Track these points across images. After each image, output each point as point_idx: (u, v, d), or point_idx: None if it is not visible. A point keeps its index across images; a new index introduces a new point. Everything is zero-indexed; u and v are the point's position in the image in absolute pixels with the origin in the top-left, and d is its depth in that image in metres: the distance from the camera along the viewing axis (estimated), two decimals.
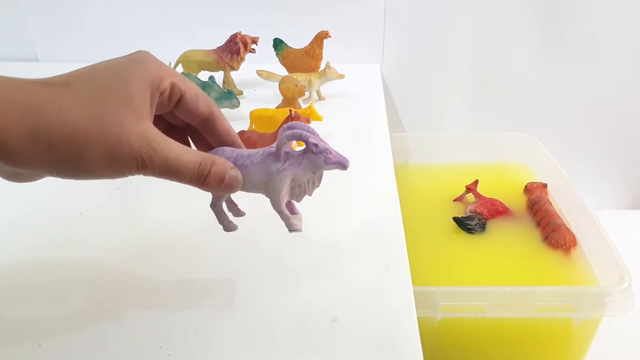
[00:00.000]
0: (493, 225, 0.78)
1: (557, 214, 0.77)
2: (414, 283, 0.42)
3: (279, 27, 0.95)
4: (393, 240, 0.48)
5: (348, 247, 0.47)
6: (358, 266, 0.44)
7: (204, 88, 0.71)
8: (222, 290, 0.42)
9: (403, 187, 0.58)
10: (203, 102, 0.37)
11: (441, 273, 0.69)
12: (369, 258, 0.45)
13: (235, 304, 0.40)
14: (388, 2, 1.00)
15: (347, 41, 0.98)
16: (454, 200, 0.86)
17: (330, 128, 0.68)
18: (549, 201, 0.81)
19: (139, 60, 0.34)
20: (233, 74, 0.86)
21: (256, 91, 0.89)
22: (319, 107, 0.68)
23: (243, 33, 0.85)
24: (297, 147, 0.40)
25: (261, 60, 0.87)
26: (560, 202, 0.82)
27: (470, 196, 0.85)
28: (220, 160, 0.35)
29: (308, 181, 0.37)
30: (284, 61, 0.89)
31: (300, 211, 0.40)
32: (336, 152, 0.36)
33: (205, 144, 0.40)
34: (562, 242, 0.72)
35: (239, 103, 0.74)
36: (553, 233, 0.73)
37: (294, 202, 0.39)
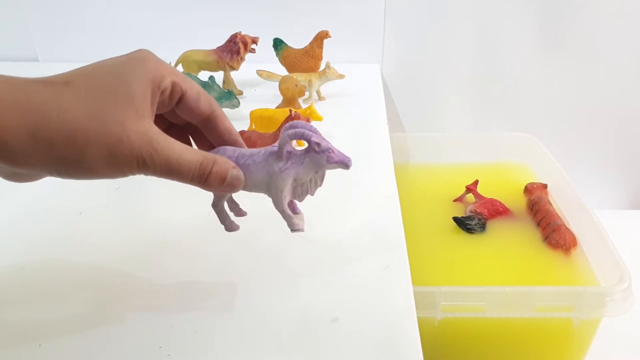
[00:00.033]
0: (493, 225, 0.78)
1: (557, 214, 0.77)
2: (414, 283, 0.42)
3: (279, 27, 0.95)
4: (393, 240, 0.48)
5: (348, 247, 0.47)
6: (358, 266, 0.44)
7: (204, 88, 0.71)
8: (222, 290, 0.42)
9: (403, 187, 0.58)
10: (204, 100, 0.37)
11: (441, 273, 0.69)
12: (369, 258, 0.45)
13: (235, 304, 0.40)
14: (388, 2, 1.00)
15: (347, 41, 0.99)
16: (454, 201, 0.86)
17: (330, 128, 0.68)
18: (549, 201, 0.81)
19: (140, 58, 0.34)
20: (233, 74, 0.86)
21: (256, 91, 0.89)
22: (319, 107, 0.68)
23: (243, 33, 0.85)
24: (298, 147, 0.40)
25: (261, 60, 0.87)
26: (560, 202, 0.82)
27: (470, 196, 0.85)
28: (222, 160, 0.35)
29: (310, 180, 0.37)
30: (284, 61, 0.89)
31: (302, 211, 0.40)
32: (339, 151, 0.36)
33: (207, 143, 0.40)
34: (562, 242, 0.72)
35: (239, 103, 0.74)
36: (553, 233, 0.73)
37: (296, 201, 0.39)
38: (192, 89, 0.36)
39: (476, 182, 0.85)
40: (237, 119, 0.72)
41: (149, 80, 0.33)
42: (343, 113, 0.80)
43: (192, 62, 0.85)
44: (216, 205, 0.40)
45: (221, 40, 0.85)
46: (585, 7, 1.00)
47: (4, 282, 0.43)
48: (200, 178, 0.34)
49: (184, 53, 0.85)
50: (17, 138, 0.28)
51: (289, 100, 0.76)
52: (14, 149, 0.29)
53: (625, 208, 1.20)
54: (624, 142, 1.13)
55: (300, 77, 0.81)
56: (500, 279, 0.68)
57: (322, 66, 0.84)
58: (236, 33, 0.84)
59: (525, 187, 0.85)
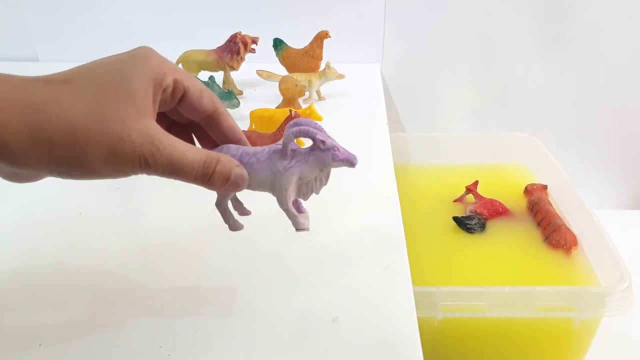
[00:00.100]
0: (493, 226, 0.78)
1: (557, 215, 0.77)
2: (414, 283, 0.42)
3: (279, 27, 0.95)
4: (393, 241, 0.48)
5: (348, 247, 0.47)
6: (358, 266, 0.44)
7: None
8: (222, 290, 0.42)
9: (403, 188, 0.58)
10: (207, 98, 0.37)
11: (441, 273, 0.69)
12: (369, 258, 0.45)
13: (235, 304, 0.40)
14: (388, 2, 1.00)
15: (347, 41, 0.98)
16: (454, 201, 0.86)
17: (330, 128, 0.67)
18: (549, 202, 0.81)
19: (141, 56, 0.33)
20: (233, 74, 0.86)
21: (256, 91, 0.89)
22: (319, 107, 0.68)
23: (243, 33, 0.85)
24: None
25: (261, 60, 0.87)
26: (560, 202, 0.82)
27: (470, 197, 0.85)
28: (226, 158, 0.34)
29: (315, 179, 0.37)
30: (284, 61, 0.89)
31: (307, 210, 0.39)
32: (344, 149, 0.35)
33: (210, 142, 0.39)
34: (562, 242, 0.72)
35: (239, 103, 0.74)
36: (554, 233, 0.73)
37: (301, 200, 0.39)
38: (195, 86, 0.36)
39: (476, 183, 0.85)
40: (237, 119, 0.71)
41: (151, 77, 0.33)
42: (343, 113, 0.80)
43: (192, 62, 0.85)
44: (220, 205, 0.39)
45: (221, 40, 0.85)
46: (585, 7, 1.00)
47: (5, 281, 0.43)
48: (204, 177, 0.34)
49: (184, 53, 0.85)
50: (17, 137, 0.28)
51: (289, 100, 0.76)
52: (14, 149, 0.28)
53: (625, 208, 1.20)
54: (624, 142, 1.13)
55: (300, 77, 0.81)
56: (501, 279, 0.68)
57: (322, 66, 0.84)
58: (236, 33, 0.84)
59: (526, 188, 0.86)
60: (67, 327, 0.38)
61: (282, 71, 0.86)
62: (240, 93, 0.87)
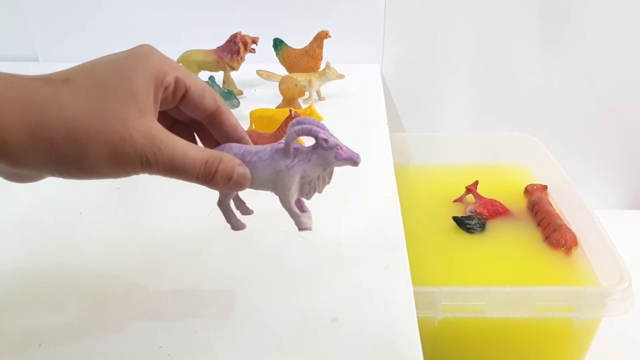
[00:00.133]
0: (493, 226, 0.78)
1: (557, 215, 0.77)
2: (414, 283, 0.42)
3: (279, 27, 0.95)
4: (393, 241, 0.48)
5: (348, 247, 0.47)
6: (358, 266, 0.44)
7: None
8: (222, 290, 0.42)
9: (403, 188, 0.58)
10: (209, 96, 0.36)
11: (441, 273, 0.69)
12: (369, 258, 0.45)
13: (235, 304, 0.40)
14: (388, 2, 1.00)
15: (347, 41, 0.98)
16: (454, 201, 0.86)
17: (330, 128, 0.67)
18: (549, 202, 0.81)
19: (142, 54, 0.33)
20: (233, 74, 0.86)
21: (256, 91, 0.89)
22: (319, 107, 0.68)
23: (243, 33, 0.85)
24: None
25: (261, 60, 0.87)
26: (560, 202, 0.82)
27: (470, 197, 0.85)
28: (228, 157, 0.34)
29: (318, 178, 0.36)
30: (284, 61, 0.89)
31: (310, 209, 0.39)
32: (347, 147, 0.35)
33: (212, 141, 0.39)
34: (563, 242, 0.72)
35: (239, 103, 0.74)
36: (554, 233, 0.73)
37: (304, 199, 0.38)
38: (196, 85, 0.35)
39: (476, 183, 0.85)
40: (237, 119, 0.72)
41: (152, 76, 0.32)
42: (343, 113, 0.80)
43: (192, 62, 0.85)
44: (222, 204, 0.39)
45: (221, 40, 0.85)
46: (585, 7, 1.00)
47: (4, 281, 0.43)
48: (206, 177, 0.33)
49: (184, 53, 0.85)
50: (17, 137, 0.28)
51: (289, 100, 0.76)
52: (14, 149, 0.28)
53: (625, 208, 1.20)
54: (624, 142, 1.13)
55: (300, 77, 0.81)
56: (501, 279, 0.68)
57: (322, 66, 0.84)
58: (236, 33, 0.84)
59: (526, 188, 0.86)
60: (67, 327, 0.38)
61: (282, 71, 0.86)
62: (240, 93, 0.87)
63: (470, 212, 0.80)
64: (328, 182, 0.37)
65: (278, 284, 0.43)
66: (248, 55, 0.85)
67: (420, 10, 1.01)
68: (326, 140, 0.34)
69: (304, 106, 0.79)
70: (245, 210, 0.40)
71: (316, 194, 0.37)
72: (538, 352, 0.68)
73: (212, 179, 0.33)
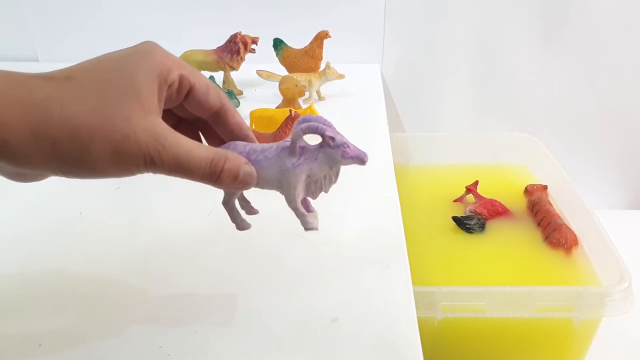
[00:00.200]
0: (493, 226, 0.78)
1: (557, 215, 0.77)
2: (414, 283, 0.42)
3: (279, 27, 0.95)
4: (393, 240, 0.48)
5: (348, 247, 0.47)
6: (358, 266, 0.44)
7: None
8: (222, 290, 0.42)
9: (403, 188, 0.58)
10: (214, 94, 0.35)
11: (441, 273, 0.69)
12: (369, 258, 0.45)
13: (235, 304, 0.40)
14: (388, 2, 1.00)
15: (347, 41, 0.98)
16: (454, 201, 0.86)
17: None
18: (549, 202, 0.81)
19: (145, 51, 0.32)
20: (233, 74, 0.86)
21: (256, 91, 0.89)
22: (319, 107, 0.68)
23: (243, 33, 0.85)
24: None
25: (261, 60, 0.87)
26: (560, 202, 0.82)
27: (470, 197, 0.85)
28: (234, 156, 0.33)
29: (324, 177, 0.35)
30: (284, 61, 0.89)
31: (315, 209, 0.38)
32: (354, 146, 0.34)
33: (217, 139, 0.38)
34: (563, 242, 0.72)
35: (239, 103, 0.74)
36: (554, 232, 0.73)
37: (310, 199, 0.37)
38: (201, 82, 0.35)
39: (476, 183, 0.85)
40: None
41: (156, 73, 0.32)
42: (343, 113, 0.80)
43: (192, 62, 0.85)
44: (227, 203, 0.38)
45: (221, 40, 0.85)
46: (585, 7, 1.00)
47: (4, 281, 0.43)
48: (212, 175, 0.32)
49: (184, 53, 0.85)
50: (18, 136, 0.27)
51: (289, 100, 0.76)
52: (15, 148, 0.28)
53: (625, 208, 1.20)
54: (624, 142, 1.13)
55: (300, 77, 0.81)
56: (501, 278, 0.68)
57: (322, 66, 0.84)
58: (236, 33, 0.84)
59: (526, 188, 0.86)
60: (67, 326, 0.38)
61: (282, 71, 0.86)
62: (240, 93, 0.87)
63: (470, 212, 0.80)
64: (334, 182, 0.36)
65: (278, 284, 0.43)
66: (248, 55, 0.85)
67: (420, 10, 1.01)
68: (333, 139, 0.34)
69: (304, 106, 0.79)
70: (250, 210, 0.40)
71: (322, 193, 0.37)
72: (538, 352, 0.68)
73: (218, 178, 0.33)
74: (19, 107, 0.28)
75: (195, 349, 0.36)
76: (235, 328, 0.38)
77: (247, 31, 0.85)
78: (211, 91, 0.35)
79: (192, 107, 0.36)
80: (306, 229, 0.36)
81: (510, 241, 0.75)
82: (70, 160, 0.29)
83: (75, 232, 0.50)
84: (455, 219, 0.78)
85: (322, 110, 0.68)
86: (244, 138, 0.37)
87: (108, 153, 0.29)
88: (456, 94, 1.10)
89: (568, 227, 0.74)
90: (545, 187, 0.84)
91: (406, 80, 1.08)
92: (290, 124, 0.60)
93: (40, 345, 0.36)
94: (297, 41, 0.88)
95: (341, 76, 0.82)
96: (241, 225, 0.38)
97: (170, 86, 0.33)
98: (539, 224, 0.77)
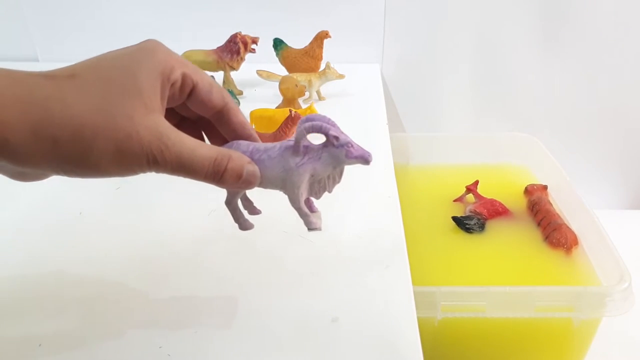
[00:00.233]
0: (493, 225, 0.78)
1: (557, 214, 0.77)
2: (414, 283, 0.42)
3: (279, 27, 0.95)
4: (393, 240, 0.48)
5: (348, 247, 0.47)
6: (358, 266, 0.44)
7: None
8: (222, 290, 0.42)
9: (403, 188, 0.58)
10: (217, 93, 0.35)
11: (441, 273, 0.69)
12: (369, 258, 0.45)
13: (235, 304, 0.40)
14: (388, 2, 1.00)
15: (347, 41, 0.99)
16: (454, 201, 0.86)
17: None
18: (549, 202, 0.81)
19: (148, 49, 0.32)
20: (233, 74, 0.86)
21: (256, 91, 0.89)
22: (319, 107, 0.68)
23: (243, 33, 0.85)
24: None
25: (261, 60, 0.87)
26: (560, 202, 0.82)
27: (470, 196, 0.85)
28: (237, 155, 0.33)
29: (328, 177, 0.35)
30: (284, 61, 0.89)
31: (319, 209, 0.37)
32: (358, 145, 0.34)
33: (220, 138, 0.38)
34: (563, 241, 0.72)
35: (239, 103, 0.74)
36: (554, 232, 0.73)
37: (313, 199, 0.37)
38: (204, 81, 0.34)
39: (476, 183, 0.85)
40: None
41: (158, 72, 0.31)
42: (343, 113, 0.80)
43: (192, 62, 0.84)
44: (230, 203, 0.38)
45: (221, 40, 0.85)
46: (585, 7, 1.00)
47: (4, 281, 0.43)
48: (215, 175, 0.32)
49: (184, 53, 0.85)
50: (19, 135, 0.27)
51: (289, 100, 0.76)
52: (16, 147, 0.27)
53: (625, 208, 1.20)
54: (624, 142, 1.13)
55: (300, 77, 0.81)
56: (501, 278, 0.68)
57: (322, 66, 0.84)
58: (236, 33, 0.84)
59: (526, 188, 0.86)
60: (67, 326, 0.38)
61: (282, 71, 0.86)
62: (240, 93, 0.87)
63: (470, 212, 0.80)
64: (338, 182, 0.36)
65: (278, 284, 0.43)
66: (248, 55, 0.85)
67: (420, 10, 1.01)
68: (337, 138, 0.33)
69: (304, 106, 0.79)
70: (253, 210, 0.40)
71: (326, 193, 0.36)
72: (538, 352, 0.68)
73: (221, 178, 0.32)
74: (19, 106, 0.27)
75: (195, 349, 0.36)
76: (235, 328, 0.38)
77: (247, 31, 0.85)
78: (214, 90, 0.35)
79: (195, 105, 0.35)
80: (309, 229, 0.36)
81: (510, 241, 0.75)
82: (72, 159, 0.29)
83: (75, 232, 0.50)
84: (455, 219, 0.78)
85: (322, 110, 0.68)
86: (247, 137, 0.37)
87: (110, 152, 0.29)
88: (456, 94, 1.10)
89: (568, 227, 0.74)
90: (545, 187, 0.84)
91: (406, 80, 1.08)
92: (290, 124, 0.60)
93: (40, 345, 0.36)
94: (297, 41, 0.88)
95: (341, 76, 0.82)
96: (244, 225, 0.38)
97: (173, 84, 0.33)
98: (539, 224, 0.77)
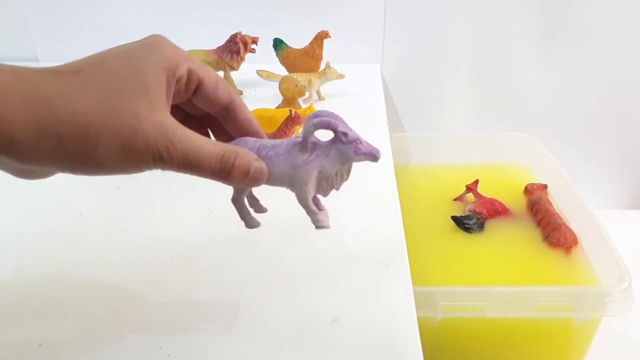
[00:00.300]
0: (492, 225, 0.78)
1: (557, 214, 0.77)
2: (414, 283, 0.42)
3: (279, 27, 0.95)
4: (393, 240, 0.48)
5: (348, 247, 0.47)
6: (358, 266, 0.44)
7: None
8: (222, 290, 0.42)
9: (403, 188, 0.58)
10: (223, 89, 0.35)
11: (441, 273, 0.69)
12: (369, 258, 0.45)
13: (235, 304, 0.40)
14: (388, 2, 1.00)
15: (347, 41, 0.98)
16: (454, 200, 0.86)
17: None
18: (549, 201, 0.81)
19: (153, 44, 0.31)
20: (233, 74, 0.86)
21: (256, 91, 0.89)
22: (319, 107, 0.68)
23: (243, 33, 0.85)
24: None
25: (261, 60, 0.87)
26: (560, 202, 0.82)
27: (470, 196, 0.85)
28: (244, 152, 0.33)
29: (336, 174, 0.35)
30: (284, 61, 0.89)
31: (326, 207, 0.37)
32: (366, 142, 0.33)
33: (226, 135, 0.37)
34: (563, 241, 0.72)
35: None
36: (554, 232, 0.73)
37: (320, 197, 0.37)
38: (210, 77, 0.34)
39: (476, 182, 0.85)
40: None
41: (164, 67, 0.31)
42: (343, 113, 0.79)
43: None
44: (236, 201, 0.37)
45: (221, 40, 0.85)
46: (585, 7, 1.00)
47: (5, 280, 0.43)
48: (222, 172, 0.31)
49: None
50: (23, 132, 0.27)
51: (289, 100, 0.76)
52: (20, 144, 0.27)
53: (625, 208, 1.20)
54: (624, 142, 1.13)
55: (300, 77, 0.81)
56: (501, 278, 0.68)
57: (322, 66, 0.84)
58: (236, 33, 0.84)
59: (525, 187, 0.86)
60: (66, 326, 0.38)
61: (282, 71, 0.86)
62: (241, 93, 0.87)
63: (470, 211, 0.80)
64: (346, 179, 0.36)
65: (278, 284, 0.43)
66: (248, 55, 0.85)
67: (420, 10, 1.01)
68: (345, 134, 0.33)
69: (304, 106, 0.79)
70: (259, 208, 0.39)
71: (333, 191, 0.36)
72: (538, 352, 0.68)
73: (228, 175, 0.32)
74: (24, 103, 0.27)
75: (195, 349, 0.36)
76: (235, 328, 0.38)
77: (247, 31, 0.85)
78: (220, 86, 0.35)
79: (200, 102, 0.35)
80: (317, 227, 0.35)
81: (510, 241, 0.75)
82: (77, 157, 0.28)
83: (75, 232, 0.50)
84: (454, 218, 0.78)
85: None
86: (254, 134, 0.37)
87: (116, 149, 0.29)
88: (456, 94, 1.10)
89: (568, 227, 0.74)
90: (545, 187, 0.84)
91: (406, 80, 1.08)
92: (290, 124, 0.60)
93: (40, 345, 0.36)
94: (297, 41, 0.88)
95: (341, 76, 0.82)
96: (250, 223, 0.37)
97: (178, 81, 0.32)
98: (538, 224, 0.77)
